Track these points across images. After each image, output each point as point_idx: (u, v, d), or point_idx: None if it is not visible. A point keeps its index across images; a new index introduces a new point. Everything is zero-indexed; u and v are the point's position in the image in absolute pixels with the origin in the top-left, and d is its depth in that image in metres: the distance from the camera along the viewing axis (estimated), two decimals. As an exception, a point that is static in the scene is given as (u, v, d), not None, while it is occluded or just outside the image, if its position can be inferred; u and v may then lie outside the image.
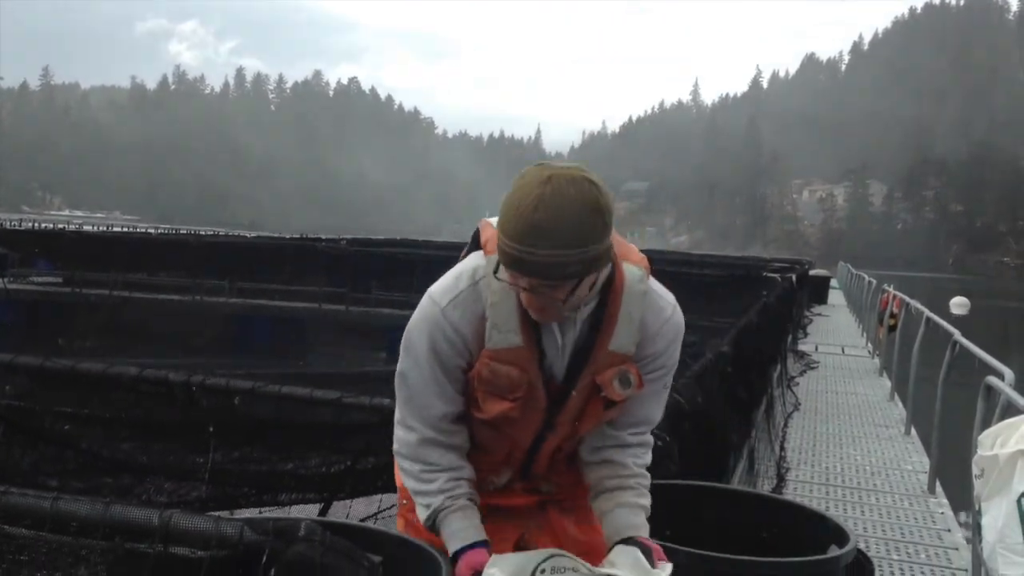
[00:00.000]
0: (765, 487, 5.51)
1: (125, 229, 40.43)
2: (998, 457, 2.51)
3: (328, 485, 3.10)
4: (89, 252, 21.48)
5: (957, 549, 4.96)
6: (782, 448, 6.75)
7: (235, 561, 1.21)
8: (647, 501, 1.89)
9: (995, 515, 2.48)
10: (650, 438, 1.98)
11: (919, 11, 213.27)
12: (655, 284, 1.86)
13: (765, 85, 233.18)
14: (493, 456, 1.92)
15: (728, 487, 3.12)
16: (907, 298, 10.83)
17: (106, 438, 2.89)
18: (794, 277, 15.48)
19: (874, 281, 16.65)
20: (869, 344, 15.12)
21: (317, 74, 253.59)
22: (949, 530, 5.30)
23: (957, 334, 6.11)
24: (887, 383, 10.59)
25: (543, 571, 1.72)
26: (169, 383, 2.83)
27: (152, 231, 38.74)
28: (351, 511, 3.27)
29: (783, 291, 11.47)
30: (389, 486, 2.67)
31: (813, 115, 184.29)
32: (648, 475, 1.94)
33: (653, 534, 1.82)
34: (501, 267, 1.67)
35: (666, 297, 1.87)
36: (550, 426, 1.86)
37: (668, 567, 1.72)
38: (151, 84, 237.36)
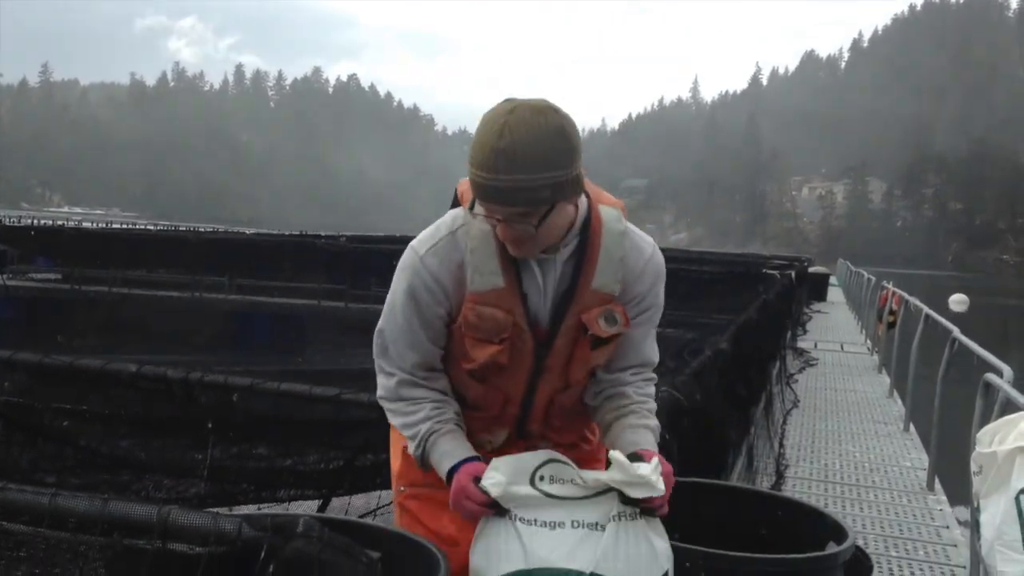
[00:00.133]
0: (764, 484, 5.51)
1: (124, 226, 40.40)
2: (996, 454, 2.51)
3: (327, 481, 3.10)
4: (88, 249, 21.43)
5: (955, 546, 4.97)
6: (781, 445, 6.76)
7: (233, 557, 1.21)
8: (652, 422, 1.91)
9: (993, 512, 2.49)
10: (652, 376, 2.01)
11: (919, 8, 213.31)
12: (632, 226, 1.89)
13: (765, 82, 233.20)
14: (487, 412, 1.93)
15: (727, 484, 3.13)
16: (906, 295, 10.83)
17: (105, 434, 2.89)
18: (793, 274, 15.49)
19: (873, 278, 16.67)
20: (868, 341, 15.13)
21: (316, 71, 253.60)
22: (947, 527, 5.31)
23: (956, 331, 6.12)
24: (886, 380, 10.59)
25: (542, 477, 1.75)
26: (168, 380, 2.83)
27: (151, 228, 38.73)
28: (350, 507, 3.27)
29: (782, 288, 11.48)
30: (387, 482, 2.67)
31: (813, 112, 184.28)
32: (652, 402, 1.96)
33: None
34: (477, 204, 1.72)
35: (645, 238, 1.92)
36: (540, 372, 1.87)
37: (654, 460, 1.74)
38: (150, 81, 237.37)
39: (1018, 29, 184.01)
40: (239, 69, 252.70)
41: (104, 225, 39.47)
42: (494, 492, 1.73)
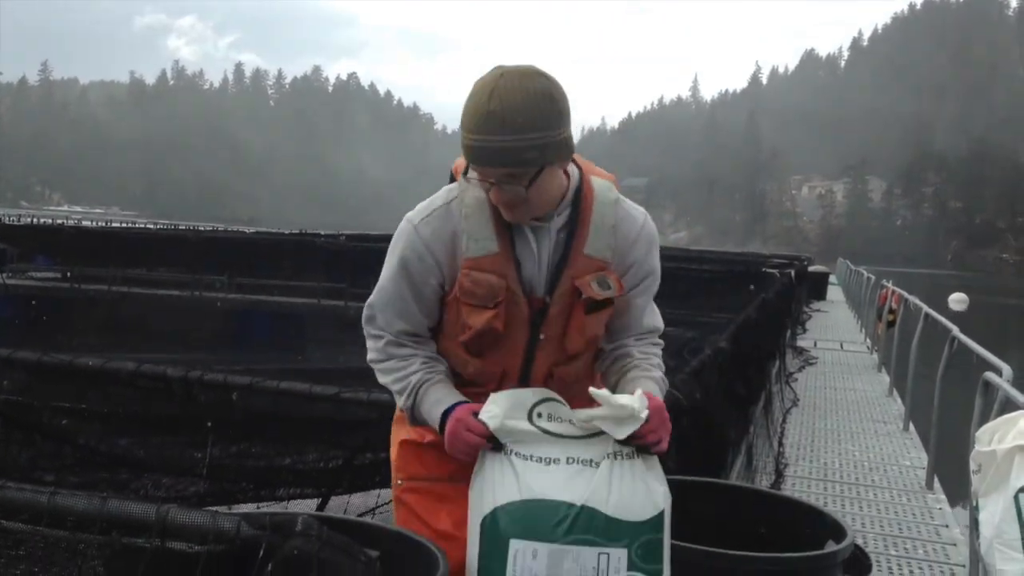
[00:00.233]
0: (763, 483, 5.51)
1: (124, 225, 40.35)
2: (996, 453, 2.51)
3: (326, 480, 3.10)
4: (88, 247, 21.44)
5: (955, 544, 4.97)
6: (780, 444, 6.76)
7: (232, 556, 1.21)
8: (656, 374, 1.94)
9: (992, 511, 2.48)
10: (658, 341, 2.04)
11: (919, 7, 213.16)
12: (624, 197, 1.94)
13: (764, 81, 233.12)
14: (485, 387, 1.93)
15: (726, 483, 3.13)
16: (906, 294, 10.82)
17: (104, 433, 2.89)
18: (793, 273, 15.49)
19: (873, 277, 16.66)
20: (868, 340, 15.12)
21: (316, 69, 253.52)
22: (947, 526, 5.31)
23: (955, 330, 6.11)
24: (885, 379, 10.59)
25: (539, 414, 1.79)
26: (167, 378, 2.83)
27: (151, 227, 38.72)
28: (349, 506, 3.27)
29: (782, 287, 11.47)
30: (386, 481, 2.67)
31: (813, 111, 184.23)
32: (658, 359, 1.99)
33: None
34: (470, 170, 1.77)
35: (637, 208, 1.96)
36: (536, 342, 1.89)
37: (638, 392, 1.77)
38: (150, 79, 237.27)
39: (1018, 28, 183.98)
40: (239, 68, 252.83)
41: (104, 224, 39.48)
42: (492, 424, 1.75)
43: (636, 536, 1.71)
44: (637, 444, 1.76)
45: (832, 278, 31.72)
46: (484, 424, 1.76)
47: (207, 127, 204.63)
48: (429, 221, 1.86)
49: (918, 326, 8.28)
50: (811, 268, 27.11)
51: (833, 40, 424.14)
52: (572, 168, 1.90)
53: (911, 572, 4.55)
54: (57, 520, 1.21)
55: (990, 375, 4.07)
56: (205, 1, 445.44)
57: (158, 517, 1.20)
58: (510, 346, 1.88)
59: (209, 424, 2.81)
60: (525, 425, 1.77)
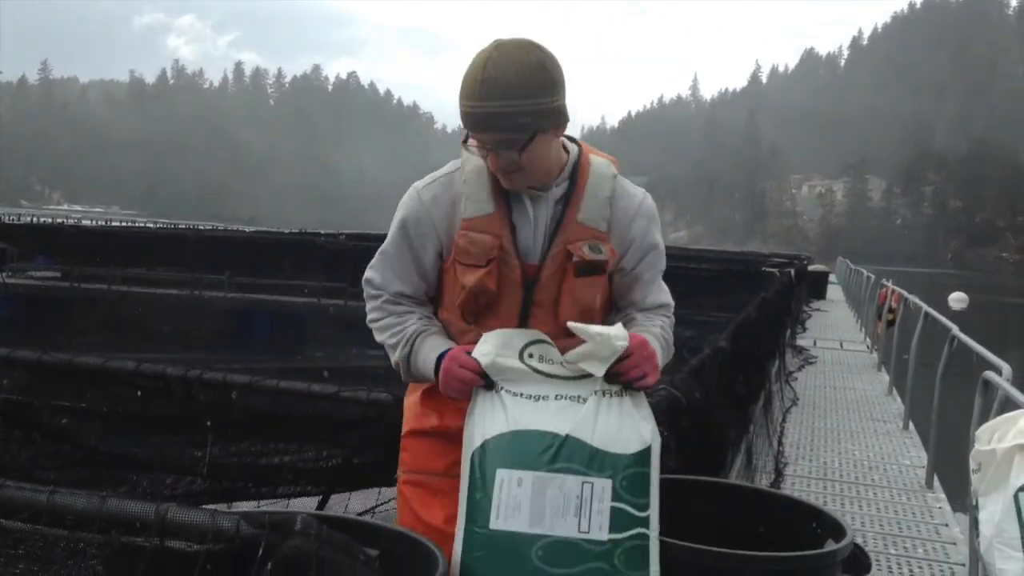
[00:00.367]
0: (763, 482, 5.51)
1: (124, 224, 40.36)
2: (995, 452, 2.51)
3: (326, 478, 3.09)
4: (88, 247, 21.43)
5: (955, 544, 4.97)
6: (780, 443, 6.76)
7: (231, 555, 1.21)
8: (655, 329, 1.98)
9: (992, 510, 2.48)
10: (667, 314, 2.07)
11: (919, 6, 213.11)
12: (623, 178, 2.01)
13: (764, 80, 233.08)
14: None
15: (725, 482, 3.12)
16: (906, 293, 10.83)
17: (104, 432, 2.88)
18: (793, 272, 15.48)
19: (872, 276, 16.66)
20: (867, 339, 15.13)
21: (316, 68, 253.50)
22: (947, 525, 5.31)
23: (955, 329, 6.12)
24: (885, 378, 10.59)
25: (531, 354, 1.83)
26: (167, 377, 2.83)
27: (151, 226, 38.71)
28: (349, 505, 3.27)
29: (782, 286, 11.47)
30: (387, 480, 2.67)
31: (812, 110, 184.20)
32: (660, 321, 2.02)
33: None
34: (470, 139, 1.85)
35: (636, 187, 2.02)
36: (529, 308, 1.92)
37: (618, 326, 1.83)
38: (150, 78, 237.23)
39: (1018, 27, 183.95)
40: (239, 67, 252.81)
41: (104, 223, 39.47)
42: (484, 361, 1.80)
43: (621, 468, 1.73)
44: (623, 382, 1.81)
45: (832, 277, 31.71)
46: (477, 362, 1.81)
47: (207, 126, 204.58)
48: (431, 187, 1.95)
49: (918, 325, 8.29)
50: (811, 267, 27.09)
51: (833, 39, 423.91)
52: (572, 146, 1.98)
53: (911, 571, 4.55)
54: (56, 519, 1.21)
55: (990, 374, 4.07)
56: (204, 0, 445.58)
57: (157, 516, 1.20)
58: (504, 311, 1.92)
59: (209, 423, 2.81)
60: (516, 364, 1.82)
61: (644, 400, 1.84)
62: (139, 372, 2.83)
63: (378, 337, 2.01)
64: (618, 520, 1.70)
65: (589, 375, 1.80)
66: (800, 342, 13.81)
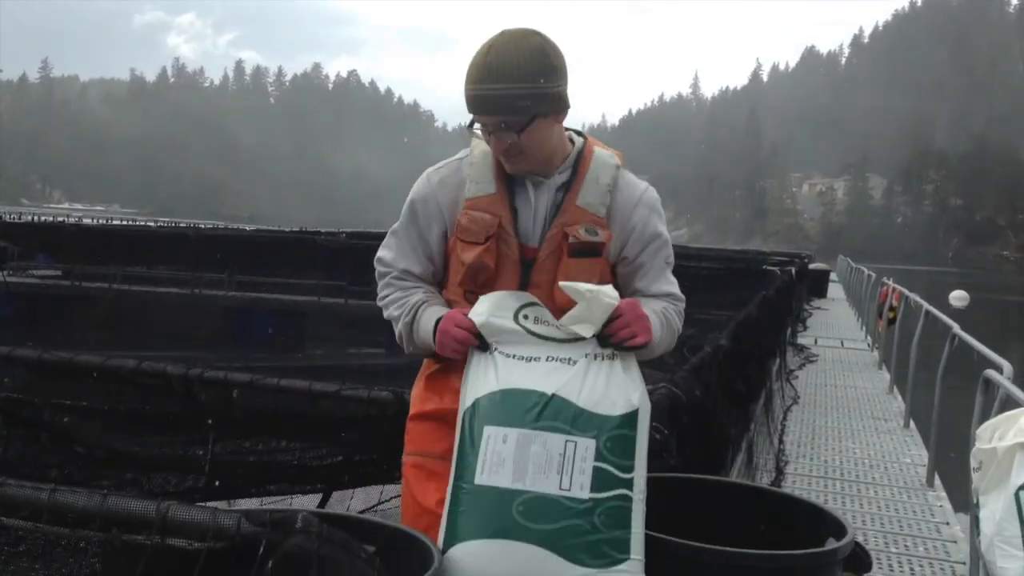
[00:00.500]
0: (764, 480, 5.51)
1: (124, 222, 40.32)
2: (996, 450, 2.50)
3: (327, 477, 3.09)
4: (88, 245, 21.42)
5: (955, 542, 4.96)
6: (781, 441, 6.75)
7: (232, 553, 1.21)
8: (656, 306, 2.01)
9: (993, 508, 2.48)
10: (673, 302, 2.09)
11: (919, 4, 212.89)
12: (627, 170, 2.07)
13: (765, 78, 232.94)
14: None
15: (726, 480, 3.13)
16: (906, 291, 10.82)
17: (105, 430, 2.88)
18: (793, 270, 15.46)
19: (873, 274, 16.64)
20: (868, 337, 15.11)
21: (316, 67, 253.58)
22: (947, 523, 5.30)
23: (956, 327, 6.10)
24: (886, 376, 10.58)
25: (526, 316, 1.88)
26: (168, 376, 2.83)
27: (151, 224, 38.66)
28: (351, 503, 3.27)
29: (782, 284, 11.46)
30: (387, 477, 2.67)
31: (813, 108, 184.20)
32: (663, 302, 2.05)
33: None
34: (476, 124, 1.92)
35: (640, 180, 2.07)
36: (527, 286, 1.96)
37: (608, 287, 1.86)
38: (150, 77, 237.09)
39: (1018, 25, 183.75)
40: (239, 65, 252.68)
41: (104, 221, 39.46)
42: (478, 321, 1.85)
43: (606, 429, 1.76)
44: (614, 343, 1.84)
45: (833, 276, 31.68)
46: (472, 322, 1.87)
47: (207, 125, 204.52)
48: (440, 171, 2.04)
49: (918, 323, 8.27)
50: (812, 266, 27.07)
51: (834, 38, 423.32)
52: (578, 139, 2.04)
53: (911, 569, 4.55)
54: (57, 517, 1.21)
55: (991, 372, 4.06)
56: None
57: (158, 514, 1.20)
58: (502, 289, 1.96)
59: (210, 421, 2.81)
60: (511, 324, 1.86)
61: (635, 365, 1.88)
62: (140, 370, 2.83)
63: (385, 313, 2.07)
64: (600, 480, 1.72)
65: (582, 338, 1.84)
66: (801, 340, 13.80)
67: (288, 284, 19.81)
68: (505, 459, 1.72)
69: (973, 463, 2.63)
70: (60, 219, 36.13)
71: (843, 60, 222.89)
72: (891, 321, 11.24)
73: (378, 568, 1.33)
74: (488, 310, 1.88)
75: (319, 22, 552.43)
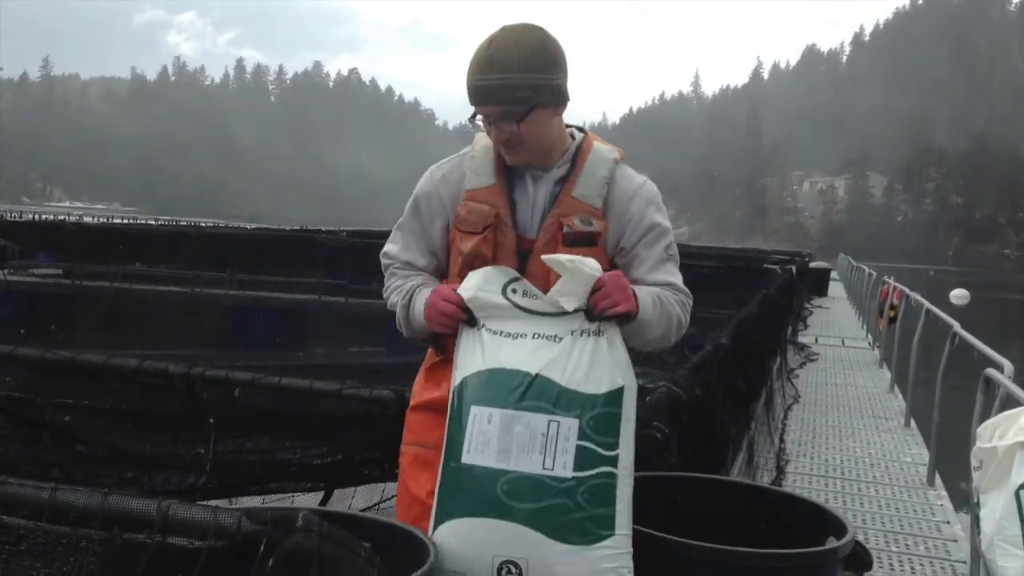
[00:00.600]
0: (764, 479, 5.51)
1: (125, 221, 40.32)
2: (997, 449, 2.50)
3: (328, 475, 3.09)
4: (89, 244, 21.42)
5: (956, 541, 4.97)
6: (781, 440, 6.75)
7: (233, 551, 1.21)
8: (653, 290, 2.01)
9: (993, 507, 2.48)
10: (673, 291, 2.07)
11: (920, 3, 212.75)
12: (626, 165, 2.09)
13: (766, 77, 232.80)
14: None
15: (726, 479, 3.13)
16: (907, 290, 10.81)
17: (106, 429, 2.88)
18: (794, 269, 15.46)
19: (874, 273, 16.63)
20: (869, 336, 15.11)
21: (317, 65, 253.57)
22: (948, 522, 5.30)
23: (957, 326, 6.10)
24: (887, 375, 10.58)
25: (514, 290, 1.90)
26: (169, 375, 2.83)
27: (152, 223, 38.67)
28: (352, 501, 3.27)
29: (783, 283, 11.45)
30: (389, 476, 2.67)
31: (814, 107, 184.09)
32: (660, 290, 2.02)
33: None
34: (478, 118, 1.96)
35: (639, 175, 2.09)
36: (523, 275, 1.96)
37: (590, 260, 1.86)
38: (151, 75, 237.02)
39: (1018, 24, 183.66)
40: (240, 63, 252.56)
41: (105, 220, 39.45)
42: (466, 296, 1.88)
43: (589, 408, 1.77)
44: (597, 315, 1.84)
45: (833, 274, 31.68)
46: (460, 296, 1.90)
47: (208, 123, 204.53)
48: (443, 166, 2.10)
49: (919, 322, 8.27)
50: (812, 264, 27.04)
51: (834, 37, 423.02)
52: (579, 134, 2.08)
53: (912, 568, 4.55)
54: (58, 516, 1.21)
55: (991, 371, 4.07)
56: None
57: (159, 513, 1.20)
58: None
59: (211, 420, 2.81)
60: (498, 298, 1.88)
61: (621, 342, 1.88)
62: (141, 369, 2.83)
63: (389, 303, 2.11)
64: (583, 458, 1.73)
65: (568, 312, 1.85)
66: (801, 339, 13.79)
67: (289, 283, 19.81)
68: (490, 439, 1.74)
69: (973, 462, 2.63)
70: (61, 218, 36.13)
71: (844, 59, 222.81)
72: (892, 320, 11.24)
73: (379, 567, 1.33)
74: (477, 284, 1.90)
75: (320, 20, 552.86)
